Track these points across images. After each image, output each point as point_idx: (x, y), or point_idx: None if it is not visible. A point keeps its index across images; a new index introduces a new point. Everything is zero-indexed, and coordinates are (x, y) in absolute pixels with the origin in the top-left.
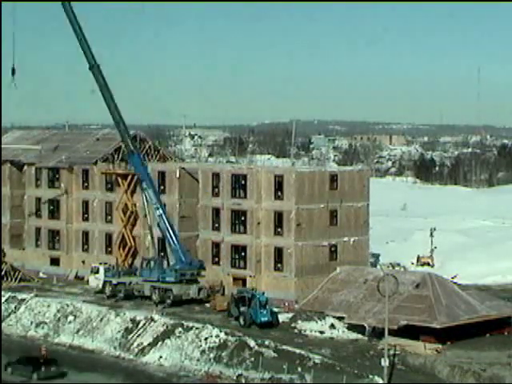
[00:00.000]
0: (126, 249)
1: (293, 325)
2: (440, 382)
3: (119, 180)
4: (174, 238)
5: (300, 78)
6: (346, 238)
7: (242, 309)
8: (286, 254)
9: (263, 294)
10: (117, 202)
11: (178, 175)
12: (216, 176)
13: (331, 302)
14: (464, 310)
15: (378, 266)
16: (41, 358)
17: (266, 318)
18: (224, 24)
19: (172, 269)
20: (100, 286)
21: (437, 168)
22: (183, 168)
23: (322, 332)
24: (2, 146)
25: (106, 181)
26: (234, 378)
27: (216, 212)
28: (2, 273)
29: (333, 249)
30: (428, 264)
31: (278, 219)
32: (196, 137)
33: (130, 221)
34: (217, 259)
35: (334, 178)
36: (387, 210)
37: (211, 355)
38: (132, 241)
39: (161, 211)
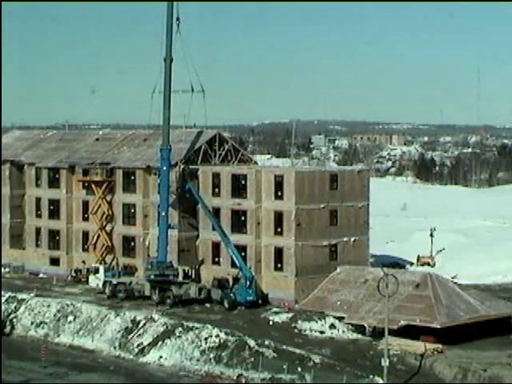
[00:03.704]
0: (103, 248)
1: (293, 325)
2: (440, 381)
3: (94, 187)
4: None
5: (300, 78)
6: (345, 238)
7: (225, 291)
8: (286, 253)
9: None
10: (92, 207)
11: (178, 175)
12: (216, 176)
13: (331, 302)
14: (464, 310)
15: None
16: None
17: (252, 298)
18: (224, 24)
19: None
20: (100, 285)
21: (437, 168)
22: (183, 168)
23: (322, 332)
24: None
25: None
26: (234, 378)
27: (216, 212)
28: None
29: (333, 249)
30: (428, 264)
31: (278, 219)
32: None
33: (106, 222)
34: (217, 259)
35: (333, 178)
36: (387, 210)
37: (211, 355)
38: (108, 240)
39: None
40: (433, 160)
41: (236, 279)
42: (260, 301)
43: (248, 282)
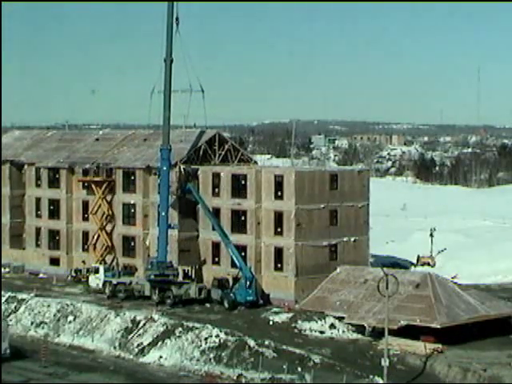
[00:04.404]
0: (103, 248)
1: (293, 325)
2: (440, 382)
3: (94, 187)
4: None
5: (300, 78)
6: (345, 238)
7: (225, 291)
8: (286, 253)
9: (250, 269)
10: (92, 207)
11: (178, 175)
12: (216, 176)
13: (331, 302)
14: (464, 310)
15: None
16: None
17: (252, 298)
18: (224, 24)
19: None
20: (100, 285)
21: (437, 168)
22: (183, 168)
23: (322, 332)
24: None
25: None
26: (234, 378)
27: (216, 212)
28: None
29: (333, 249)
30: (428, 264)
31: (278, 219)
32: None
33: (106, 222)
34: (217, 259)
35: (334, 178)
36: (387, 210)
37: (211, 355)
38: (108, 240)
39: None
40: (433, 160)
41: (236, 279)
42: (261, 301)
43: (248, 282)
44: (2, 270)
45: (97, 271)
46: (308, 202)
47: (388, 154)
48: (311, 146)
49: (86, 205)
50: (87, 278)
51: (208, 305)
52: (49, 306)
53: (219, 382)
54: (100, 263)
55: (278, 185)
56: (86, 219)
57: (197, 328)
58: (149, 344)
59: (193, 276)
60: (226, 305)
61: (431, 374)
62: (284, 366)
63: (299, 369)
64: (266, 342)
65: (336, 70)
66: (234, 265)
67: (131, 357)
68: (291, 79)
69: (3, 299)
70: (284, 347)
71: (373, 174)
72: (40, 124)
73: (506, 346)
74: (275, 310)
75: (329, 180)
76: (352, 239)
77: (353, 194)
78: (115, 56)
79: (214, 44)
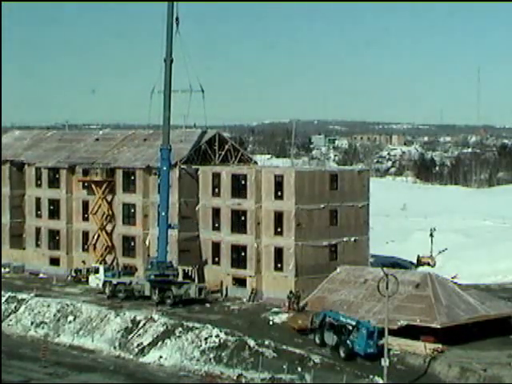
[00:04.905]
0: (103, 248)
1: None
2: (440, 382)
3: (94, 187)
4: None
5: (300, 78)
6: (345, 238)
7: (342, 338)
8: (286, 253)
9: (369, 322)
10: (92, 207)
11: (178, 175)
12: (216, 176)
13: (331, 301)
14: (464, 310)
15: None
16: None
17: (372, 350)
18: (224, 23)
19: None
20: (100, 285)
21: (437, 168)
22: (183, 168)
23: None
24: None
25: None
26: (234, 378)
27: (216, 212)
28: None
29: (333, 249)
30: (428, 264)
31: (278, 219)
32: None
33: (106, 222)
34: (217, 259)
35: (334, 178)
36: (387, 210)
37: (211, 355)
38: (108, 240)
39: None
40: (433, 160)
41: (354, 326)
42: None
43: (369, 333)
44: (2, 269)
45: (97, 271)
46: (308, 202)
47: (388, 153)
48: (311, 146)
49: (86, 205)
50: (87, 278)
51: (208, 305)
52: (49, 306)
53: (219, 381)
54: (100, 263)
55: (278, 185)
56: (86, 219)
57: (197, 328)
58: (149, 344)
59: (194, 276)
60: (342, 354)
61: (431, 374)
62: (284, 366)
63: (299, 369)
64: (266, 342)
65: (336, 70)
66: (233, 265)
67: (131, 357)
68: (291, 79)
69: (3, 299)
70: (284, 347)
71: (373, 173)
72: (40, 124)
73: (506, 346)
74: (275, 310)
75: (329, 180)
76: (352, 239)
77: (353, 193)
78: (115, 56)
79: (214, 44)
